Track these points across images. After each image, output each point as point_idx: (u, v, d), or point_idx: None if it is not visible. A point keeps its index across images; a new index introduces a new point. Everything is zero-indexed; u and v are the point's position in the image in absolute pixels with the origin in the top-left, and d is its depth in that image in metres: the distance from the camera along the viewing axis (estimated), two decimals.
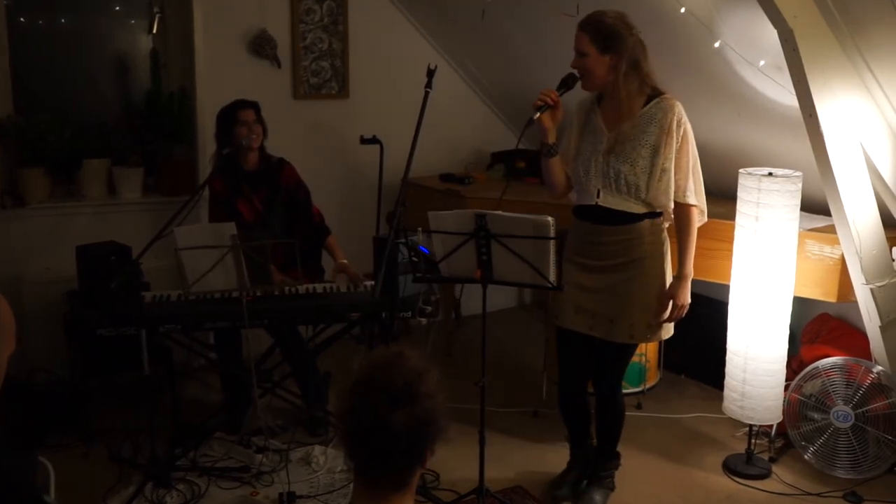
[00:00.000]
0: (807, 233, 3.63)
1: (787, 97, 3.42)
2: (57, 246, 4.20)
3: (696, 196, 3.04)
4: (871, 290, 3.37)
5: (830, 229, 3.51)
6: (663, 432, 4.00)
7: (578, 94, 3.14)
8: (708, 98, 3.87)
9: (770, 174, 3.45)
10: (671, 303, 3.09)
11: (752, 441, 3.65)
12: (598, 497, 3.35)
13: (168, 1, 4.60)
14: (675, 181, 3.01)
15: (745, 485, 3.54)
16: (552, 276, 2.90)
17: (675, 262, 3.14)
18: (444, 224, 2.98)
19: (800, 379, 3.64)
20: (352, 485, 1.77)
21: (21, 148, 4.24)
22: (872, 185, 3.32)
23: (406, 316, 3.51)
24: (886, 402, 3.47)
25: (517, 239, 2.88)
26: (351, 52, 4.93)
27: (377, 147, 4.47)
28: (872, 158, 3.30)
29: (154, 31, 4.61)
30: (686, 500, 3.44)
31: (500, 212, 2.90)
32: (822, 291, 3.66)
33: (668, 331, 3.19)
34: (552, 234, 2.84)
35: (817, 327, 4.04)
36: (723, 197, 4.18)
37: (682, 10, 3.41)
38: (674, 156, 2.98)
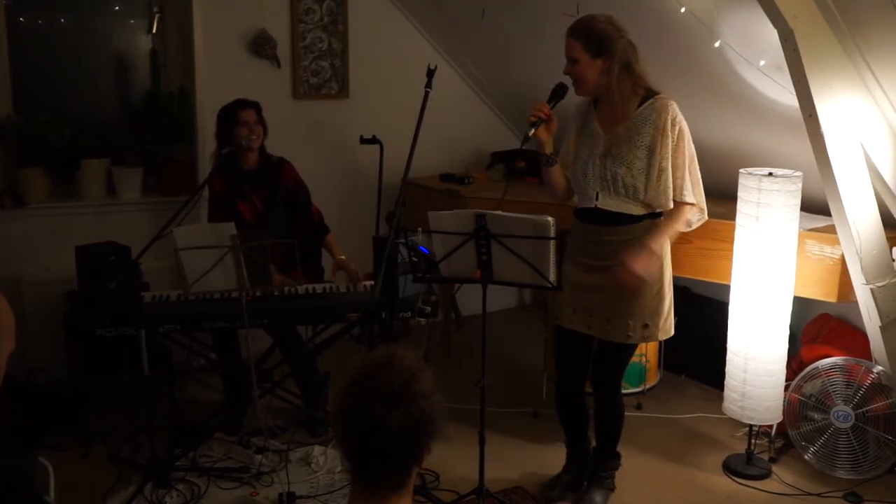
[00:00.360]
0: (807, 233, 3.63)
1: (787, 97, 3.41)
2: (56, 246, 4.19)
3: (693, 194, 3.04)
4: (872, 290, 3.36)
5: (831, 229, 3.51)
6: (663, 432, 3.99)
7: (575, 97, 3.14)
8: (708, 98, 3.86)
9: (770, 174, 3.45)
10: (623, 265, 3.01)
11: (753, 441, 3.65)
12: (598, 498, 3.35)
13: (168, 1, 4.60)
14: (673, 180, 3.00)
15: (746, 485, 3.54)
16: (552, 277, 2.90)
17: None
18: (444, 224, 2.98)
19: (800, 379, 3.63)
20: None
21: (20, 148, 4.24)
22: (873, 184, 3.32)
23: (406, 316, 3.51)
24: (887, 402, 3.46)
25: (517, 239, 2.88)
26: (351, 52, 4.93)
27: (377, 147, 4.46)
28: (873, 158, 3.30)
29: (154, 30, 4.61)
30: (686, 501, 3.44)
31: (500, 212, 2.90)
32: (822, 291, 3.65)
33: (666, 332, 3.18)
34: (552, 234, 2.84)
35: (817, 327, 4.03)
36: (723, 197, 4.17)
37: (683, 9, 3.41)
38: (670, 155, 2.97)
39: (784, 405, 3.61)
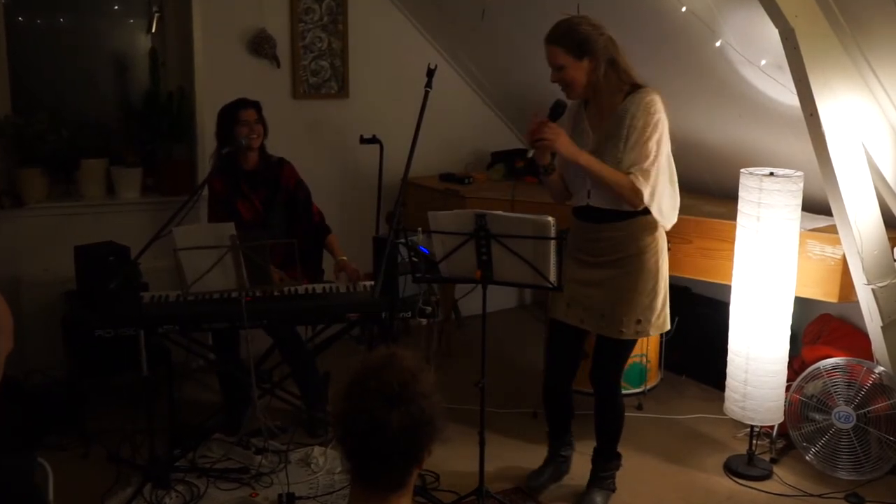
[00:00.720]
0: (808, 233, 3.62)
1: (788, 96, 3.41)
2: (55, 246, 4.18)
3: (647, 189, 2.93)
4: (873, 290, 3.36)
5: (832, 229, 3.50)
6: (664, 433, 3.98)
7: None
8: (709, 97, 3.86)
9: (771, 174, 3.44)
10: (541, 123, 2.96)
11: (754, 442, 3.64)
12: (598, 498, 3.34)
13: (167, 0, 4.59)
14: (628, 157, 2.92)
15: (747, 486, 3.53)
16: (553, 277, 2.89)
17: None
18: (444, 224, 2.98)
19: (801, 379, 3.62)
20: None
21: (19, 148, 4.24)
22: (874, 184, 3.31)
23: (406, 316, 3.50)
24: (888, 402, 3.45)
25: (517, 239, 2.88)
26: (350, 52, 4.92)
27: (377, 147, 4.46)
28: (874, 158, 3.29)
29: (153, 30, 4.60)
30: (687, 502, 3.43)
31: (500, 212, 2.90)
32: (823, 292, 3.65)
33: (660, 328, 3.17)
34: (552, 234, 2.84)
35: (819, 328, 4.02)
36: (724, 197, 4.17)
37: (683, 9, 3.41)
38: (635, 134, 2.92)
39: (785, 406, 3.60)
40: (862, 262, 3.31)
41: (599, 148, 3.02)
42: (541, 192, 4.05)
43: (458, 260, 3.01)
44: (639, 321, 3.11)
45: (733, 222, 3.61)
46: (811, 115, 3.07)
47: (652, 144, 2.93)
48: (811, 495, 3.46)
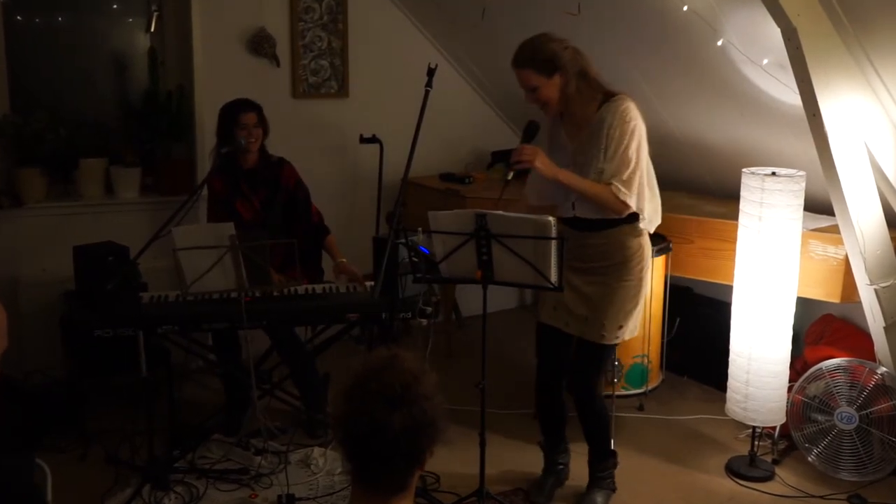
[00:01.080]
0: (810, 233, 3.61)
1: (790, 96, 3.40)
2: (54, 246, 4.17)
3: (632, 198, 2.96)
4: (875, 290, 3.35)
5: (834, 229, 3.49)
6: (665, 434, 3.97)
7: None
8: (711, 97, 3.85)
9: (773, 174, 3.43)
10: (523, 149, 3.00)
11: (755, 443, 3.63)
12: (599, 499, 3.33)
13: None
14: (609, 167, 2.94)
15: (748, 487, 3.52)
16: (553, 277, 2.89)
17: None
18: (444, 224, 2.97)
19: (803, 380, 3.61)
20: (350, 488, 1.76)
21: (18, 147, 4.23)
22: (876, 184, 3.30)
23: (406, 317, 3.49)
24: (891, 403, 3.44)
25: (518, 239, 2.87)
26: (350, 51, 4.91)
27: (377, 146, 4.45)
28: (876, 158, 3.28)
29: (152, 29, 4.58)
30: (688, 502, 3.42)
31: (500, 212, 2.89)
32: (825, 292, 3.64)
33: (632, 332, 3.20)
34: (553, 234, 2.83)
35: (821, 328, 4.01)
36: (726, 197, 4.16)
37: (685, 8, 3.39)
38: (613, 144, 2.94)
39: (787, 406, 3.59)
40: (864, 263, 3.30)
41: (578, 160, 3.04)
42: None
43: (458, 260, 3.00)
44: (620, 327, 3.14)
45: (735, 222, 3.60)
46: (813, 114, 3.06)
47: (631, 152, 2.96)
48: (813, 497, 3.44)
